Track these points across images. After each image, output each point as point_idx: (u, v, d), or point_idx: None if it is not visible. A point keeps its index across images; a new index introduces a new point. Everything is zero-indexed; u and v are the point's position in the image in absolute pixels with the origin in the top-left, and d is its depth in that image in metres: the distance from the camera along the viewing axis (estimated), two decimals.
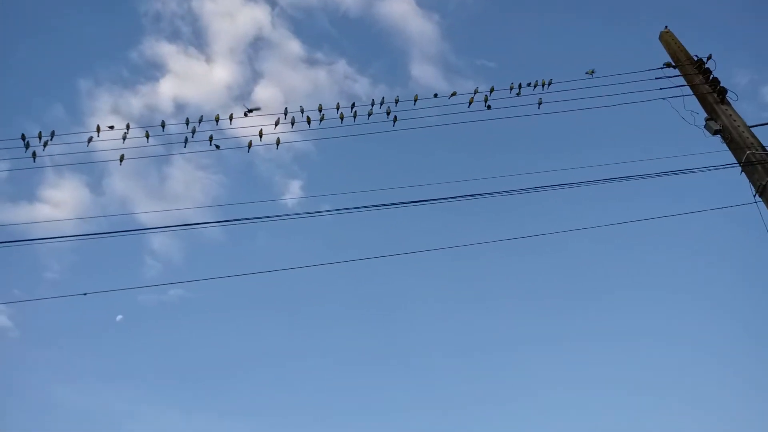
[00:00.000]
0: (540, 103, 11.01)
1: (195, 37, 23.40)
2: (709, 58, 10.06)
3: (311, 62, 24.35)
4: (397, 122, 10.95)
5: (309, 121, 10.97)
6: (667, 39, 10.70)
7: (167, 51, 22.77)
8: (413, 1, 25.73)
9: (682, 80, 10.24)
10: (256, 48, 23.47)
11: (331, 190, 11.11)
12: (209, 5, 23.25)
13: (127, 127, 10.75)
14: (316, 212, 10.54)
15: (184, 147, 10.78)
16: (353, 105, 10.99)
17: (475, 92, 11.09)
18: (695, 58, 10.24)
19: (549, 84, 11.06)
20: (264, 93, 23.24)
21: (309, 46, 24.43)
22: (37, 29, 23.40)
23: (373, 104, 11.04)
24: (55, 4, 23.34)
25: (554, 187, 9.23)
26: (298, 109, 10.94)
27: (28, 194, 20.40)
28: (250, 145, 10.96)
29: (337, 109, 10.94)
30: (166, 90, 22.24)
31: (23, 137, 10.45)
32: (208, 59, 23.23)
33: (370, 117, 10.98)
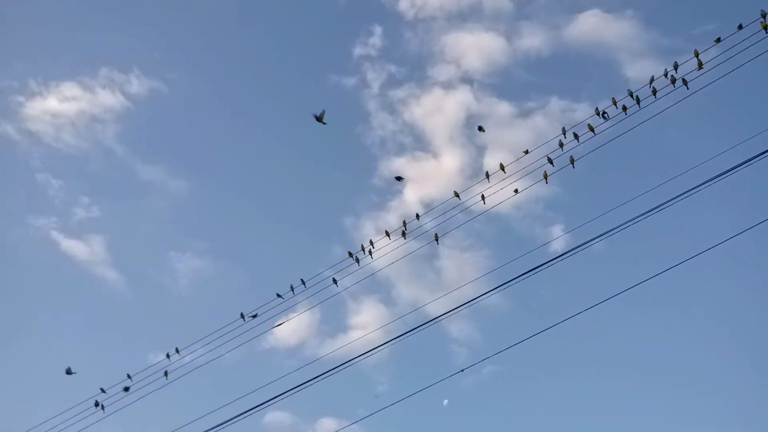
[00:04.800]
0: None
1: (417, 142, 26.88)
2: None
3: (524, 114, 25.91)
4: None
5: (572, 161, 10.85)
6: None
7: (399, 164, 26.34)
8: (598, 11, 25.69)
9: None
10: (470, 126, 25.60)
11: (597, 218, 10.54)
12: (417, 110, 26.71)
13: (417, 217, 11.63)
14: (583, 244, 9.85)
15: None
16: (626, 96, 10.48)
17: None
18: None
19: None
20: (493, 160, 24.91)
21: (516, 101, 26.06)
22: (299, 189, 27.50)
23: (652, 80, 10.37)
24: (309, 162, 27.51)
25: None
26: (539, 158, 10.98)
27: (343, 326, 24.29)
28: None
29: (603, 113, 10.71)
30: (411, 196, 25.24)
31: (350, 253, 11.66)
32: (435, 155, 25.93)
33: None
